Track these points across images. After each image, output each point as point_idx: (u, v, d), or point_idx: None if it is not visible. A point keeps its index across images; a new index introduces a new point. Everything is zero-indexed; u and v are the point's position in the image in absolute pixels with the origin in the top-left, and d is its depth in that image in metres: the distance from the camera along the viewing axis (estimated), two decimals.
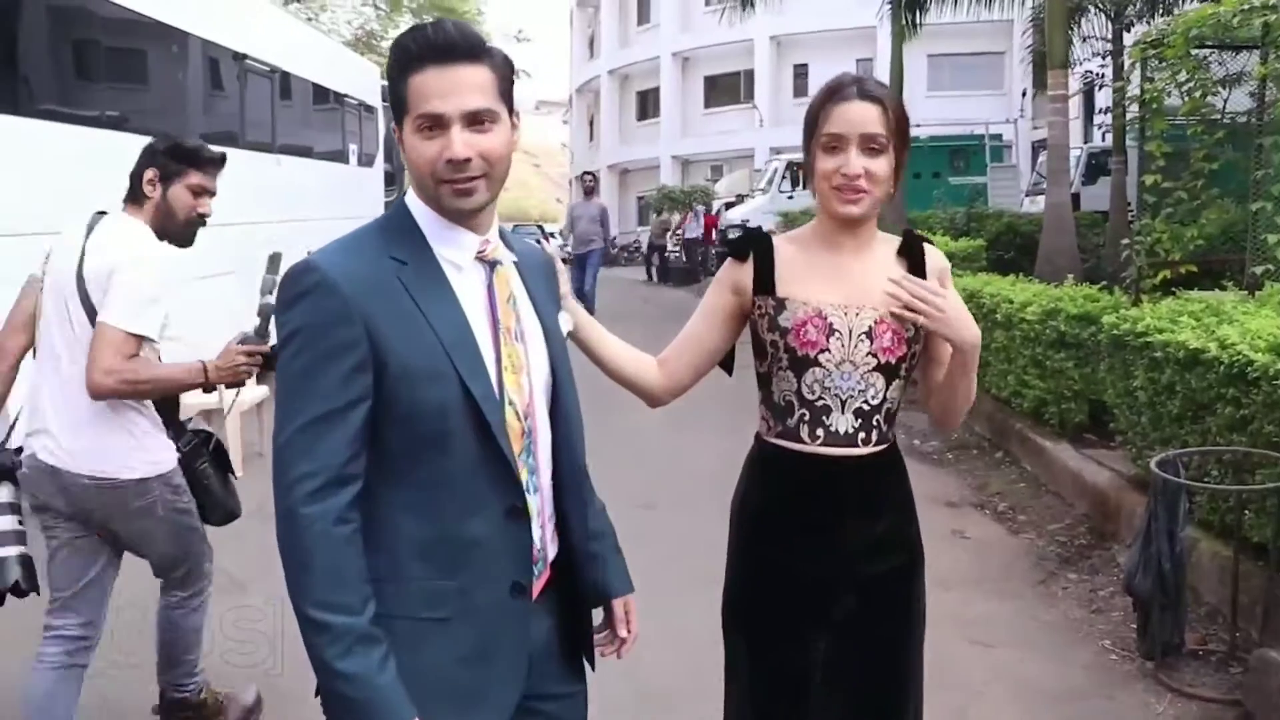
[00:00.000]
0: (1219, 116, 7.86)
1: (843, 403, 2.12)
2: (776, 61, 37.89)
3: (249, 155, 8.81)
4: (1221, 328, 4.48)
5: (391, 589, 1.64)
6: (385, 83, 1.77)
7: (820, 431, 2.13)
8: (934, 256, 2.25)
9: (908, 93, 16.51)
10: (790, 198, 23.24)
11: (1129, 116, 10.34)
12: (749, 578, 2.25)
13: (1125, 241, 7.58)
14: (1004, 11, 16.52)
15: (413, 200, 1.74)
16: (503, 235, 1.82)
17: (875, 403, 2.14)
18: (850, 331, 2.12)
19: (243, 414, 6.51)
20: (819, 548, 2.15)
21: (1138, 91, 8.45)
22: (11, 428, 3.35)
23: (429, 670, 1.64)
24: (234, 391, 3.96)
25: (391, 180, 14.60)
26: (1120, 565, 4.71)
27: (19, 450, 3.25)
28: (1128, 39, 13.75)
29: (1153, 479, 4.06)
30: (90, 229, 3.18)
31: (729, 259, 2.26)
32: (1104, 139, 16.98)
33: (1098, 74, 15.79)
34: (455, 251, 1.72)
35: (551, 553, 1.83)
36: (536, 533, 1.75)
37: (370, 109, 13.60)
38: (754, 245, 2.23)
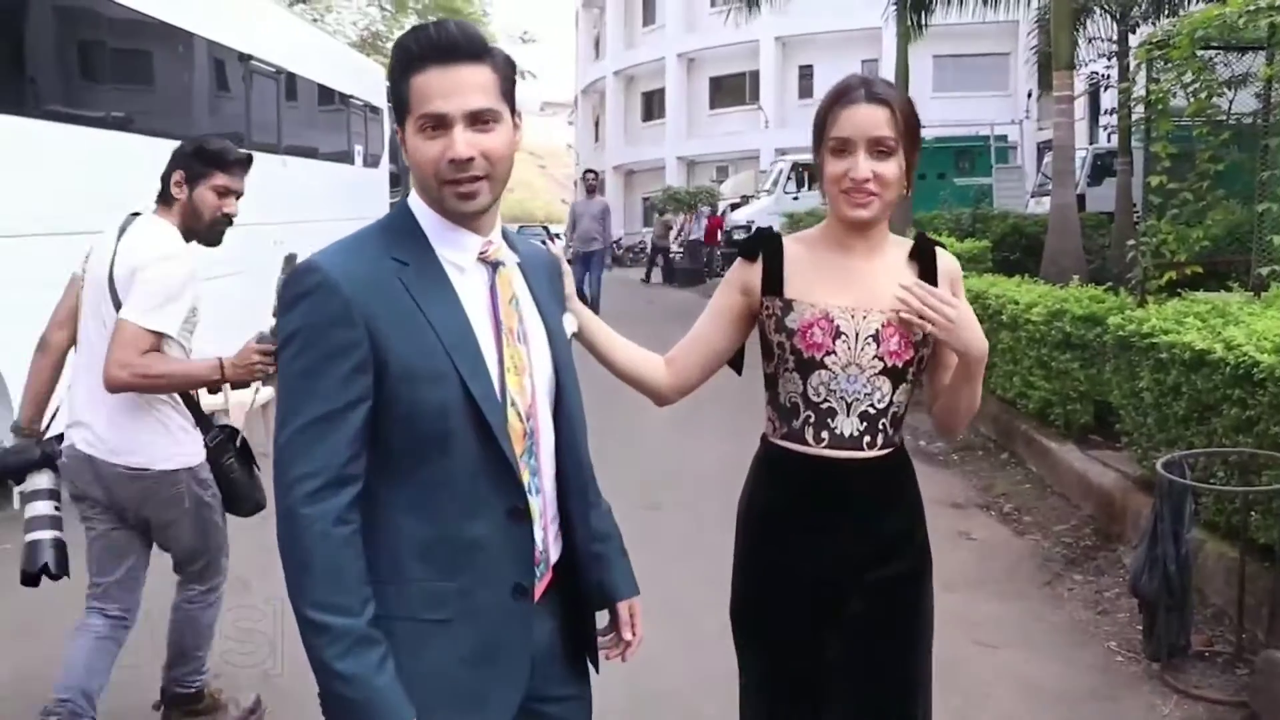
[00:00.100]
0: (1224, 117, 7.86)
1: (848, 406, 2.11)
2: (782, 62, 37.89)
3: (255, 156, 8.82)
4: (1227, 329, 4.48)
5: (393, 590, 1.63)
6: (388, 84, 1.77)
7: (825, 434, 2.12)
8: (946, 261, 2.22)
9: (913, 94, 16.33)
10: (795, 199, 23.27)
11: (1134, 118, 10.31)
12: (755, 581, 2.24)
13: (1131, 242, 7.58)
14: (1009, 12, 16.49)
15: (415, 201, 1.74)
16: (506, 236, 1.82)
17: (881, 406, 2.12)
18: (857, 334, 2.10)
19: (247, 414, 6.52)
20: (824, 550, 2.14)
21: (1143, 92, 8.45)
22: (52, 418, 3.47)
23: (430, 672, 1.64)
24: (253, 388, 4.03)
25: (397, 181, 14.64)
26: (1126, 566, 4.70)
27: (60, 438, 3.37)
28: (1133, 40, 13.75)
29: (1158, 480, 4.06)
30: (123, 230, 3.28)
31: (739, 259, 2.25)
32: (1109, 140, 16.96)
33: (1103, 75, 15.75)
34: (457, 253, 1.71)
35: (554, 555, 1.82)
36: (539, 534, 1.75)
37: (376, 110, 13.63)
38: (764, 246, 2.21)
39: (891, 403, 2.14)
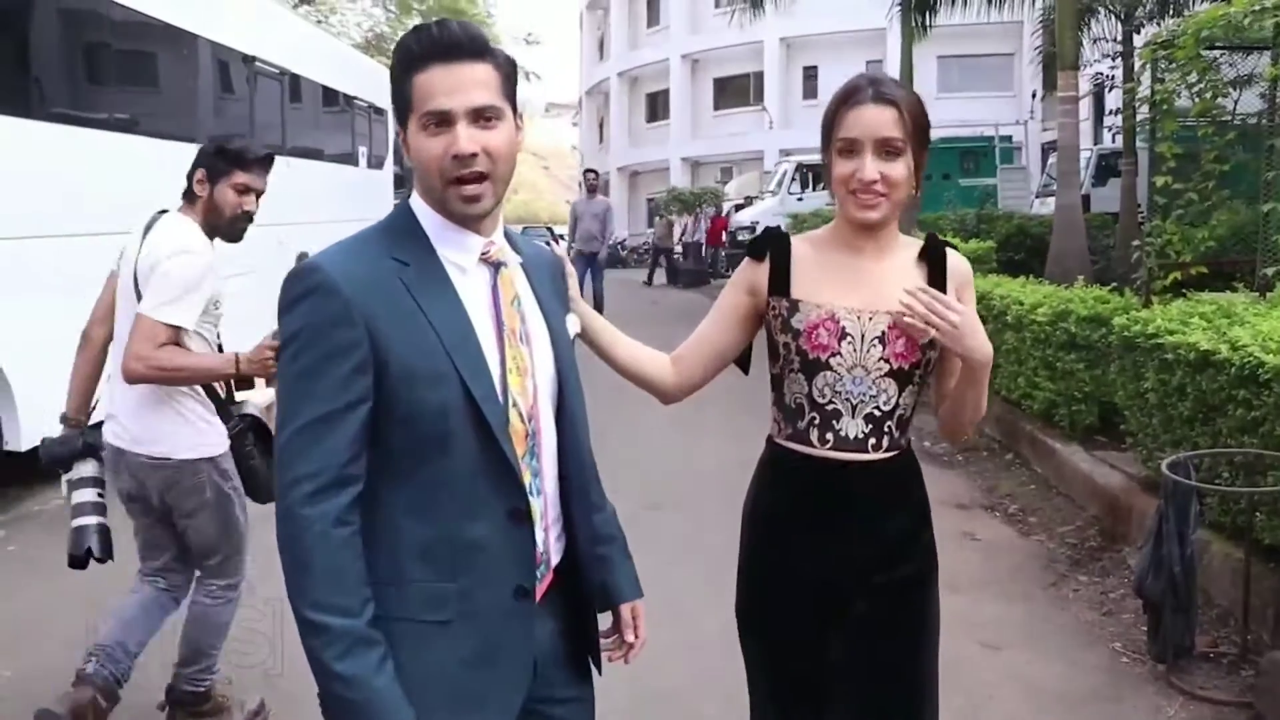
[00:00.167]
0: (1230, 118, 7.84)
1: (853, 407, 2.10)
2: (786, 63, 37.89)
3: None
4: (1233, 329, 4.47)
5: (393, 591, 1.63)
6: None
7: (830, 436, 2.11)
8: (956, 262, 2.20)
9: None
10: (800, 200, 23.27)
11: (1139, 118, 10.31)
12: (759, 582, 2.24)
13: (1136, 243, 7.56)
14: (1014, 13, 16.48)
15: (416, 202, 1.73)
16: (509, 237, 1.82)
17: (887, 408, 2.11)
18: (863, 336, 2.09)
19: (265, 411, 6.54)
20: (828, 552, 2.13)
21: (1148, 93, 8.44)
22: (92, 409, 3.59)
23: (431, 673, 1.64)
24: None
25: (401, 183, 14.65)
26: (1131, 567, 4.69)
27: (100, 427, 3.51)
28: (1138, 40, 13.72)
29: (1163, 481, 4.05)
30: (149, 227, 3.40)
31: (746, 258, 2.23)
32: (1114, 140, 16.93)
33: (1108, 76, 15.74)
34: (459, 253, 1.71)
35: (555, 556, 1.81)
36: (539, 536, 1.74)
37: (380, 111, 13.64)
38: (771, 245, 2.19)
39: (898, 405, 2.12)
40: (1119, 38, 14.69)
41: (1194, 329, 4.73)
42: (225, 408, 3.46)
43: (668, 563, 4.78)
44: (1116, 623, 4.49)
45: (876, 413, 2.10)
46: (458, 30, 1.66)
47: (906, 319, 2.04)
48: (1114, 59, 14.89)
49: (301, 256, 3.28)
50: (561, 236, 14.59)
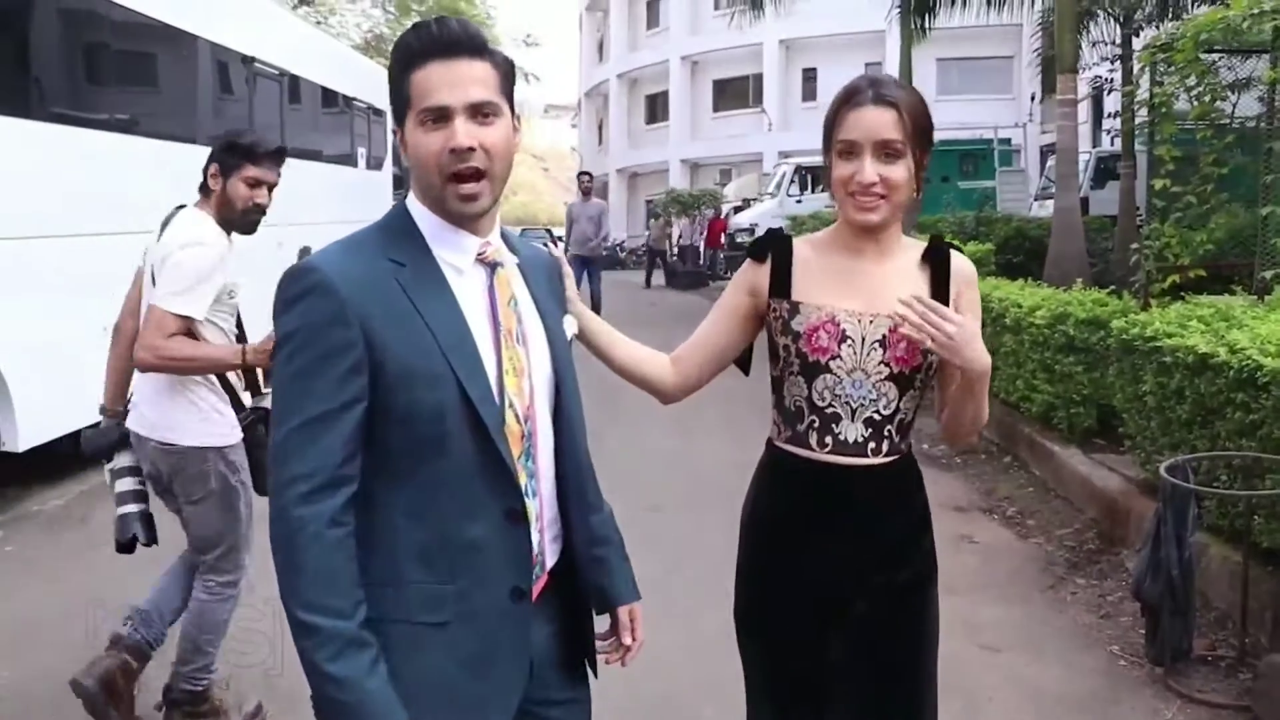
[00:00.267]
0: (1228, 121, 7.85)
1: (853, 411, 2.08)
2: (785, 65, 37.88)
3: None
4: (1231, 332, 4.47)
5: (390, 593, 1.63)
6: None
7: (829, 439, 2.10)
8: (960, 265, 2.17)
9: None
10: (799, 202, 23.28)
11: (1138, 121, 10.32)
12: (758, 586, 2.23)
13: (1134, 246, 7.57)
14: (1013, 16, 16.50)
15: (413, 203, 1.73)
16: (506, 238, 1.82)
17: (887, 413, 2.10)
18: (863, 339, 2.07)
19: None
20: (827, 555, 2.12)
21: (1147, 96, 8.45)
22: (129, 399, 3.66)
23: (428, 675, 1.64)
24: None
25: (400, 184, 14.65)
26: (1129, 570, 4.69)
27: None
28: (1137, 43, 13.73)
29: (1162, 484, 4.05)
30: (167, 221, 3.51)
31: (748, 260, 2.22)
32: (1113, 143, 16.94)
33: (1107, 79, 15.75)
34: (455, 254, 1.71)
35: (551, 558, 1.81)
36: (535, 537, 1.74)
37: (379, 112, 13.64)
38: (773, 247, 2.18)
39: (898, 409, 2.11)
40: (1118, 41, 14.71)
41: (1192, 332, 4.73)
42: (239, 399, 3.53)
43: (667, 564, 4.78)
44: (1114, 625, 4.49)
45: (876, 417, 2.09)
46: (457, 28, 1.66)
47: (901, 330, 2.02)
48: (1113, 62, 14.90)
49: (304, 251, 3.33)
50: (560, 239, 14.56)
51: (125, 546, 3.56)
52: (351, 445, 1.59)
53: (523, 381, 1.72)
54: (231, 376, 3.52)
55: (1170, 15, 13.71)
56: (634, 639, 1.99)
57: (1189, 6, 13.53)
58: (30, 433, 6.15)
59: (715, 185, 33.82)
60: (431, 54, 1.64)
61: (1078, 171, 12.11)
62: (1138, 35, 14.26)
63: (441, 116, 1.63)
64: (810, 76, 36.83)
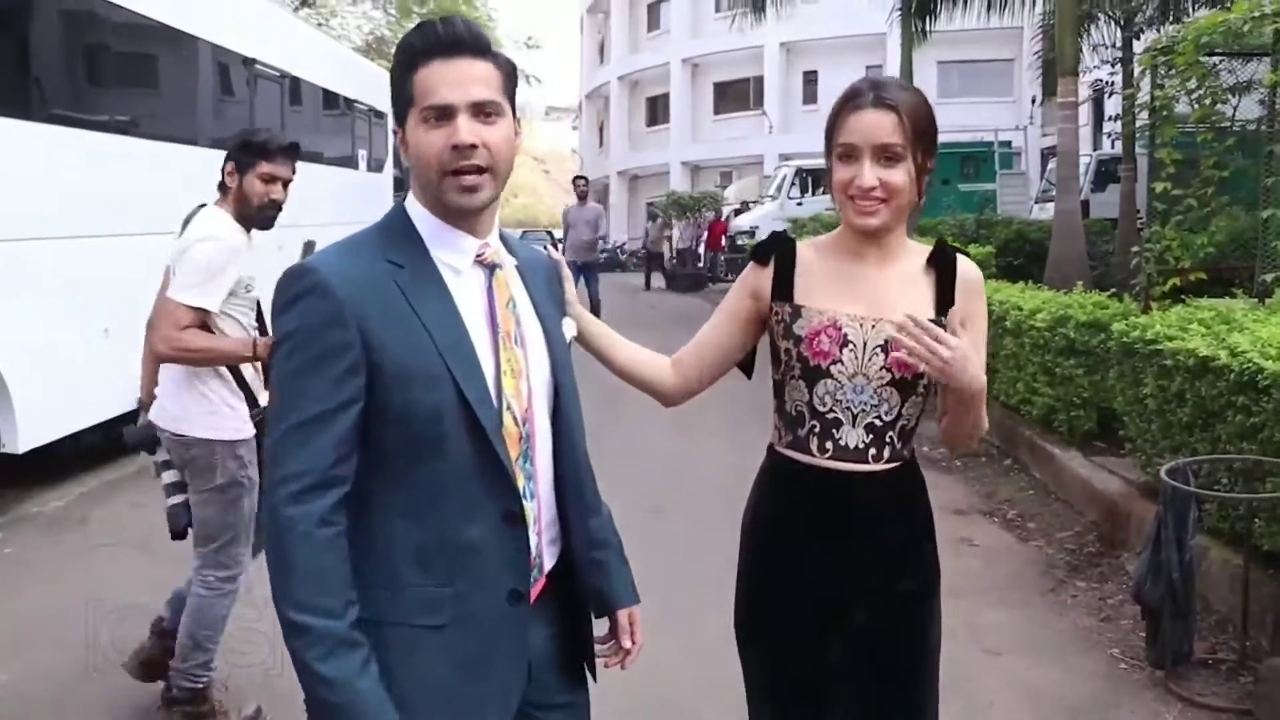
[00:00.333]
0: (1229, 124, 7.86)
1: (854, 416, 2.06)
2: (786, 68, 37.91)
3: None
4: (1232, 335, 4.47)
5: (387, 595, 1.63)
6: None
7: (829, 445, 2.08)
8: (965, 270, 2.13)
9: None
10: (799, 204, 23.27)
11: (1139, 124, 10.34)
12: (758, 592, 2.21)
13: (1135, 249, 7.56)
14: (1014, 18, 16.51)
15: (412, 204, 1.73)
16: (505, 240, 1.81)
17: (889, 419, 2.07)
18: (865, 344, 2.05)
19: None
20: (827, 562, 2.10)
21: (1147, 98, 8.46)
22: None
23: (425, 678, 1.63)
24: None
25: (401, 186, 14.64)
26: (1129, 573, 4.69)
27: None
28: (1137, 46, 13.73)
29: (1162, 487, 4.05)
30: (188, 220, 3.62)
31: (751, 262, 2.20)
32: (1113, 146, 16.96)
33: (1107, 81, 15.76)
34: (453, 255, 1.71)
35: (548, 560, 1.80)
36: (533, 539, 1.73)
37: (380, 114, 13.64)
38: (776, 250, 2.16)
39: (900, 415, 2.08)
40: (1119, 44, 14.71)
41: (1193, 335, 4.73)
42: (254, 395, 3.57)
43: (668, 567, 4.77)
44: (1115, 629, 4.49)
45: (878, 423, 2.07)
46: (462, 28, 1.66)
47: (897, 353, 2.00)
48: (1114, 65, 14.91)
49: (309, 246, 3.39)
50: (561, 242, 14.52)
51: (178, 535, 3.66)
52: (345, 446, 1.59)
53: (521, 383, 1.72)
54: (248, 373, 3.56)
55: (1171, 18, 13.71)
56: (633, 642, 1.98)
57: (1190, 9, 13.53)
58: (30, 434, 6.15)
59: (716, 188, 33.84)
60: (436, 53, 1.64)
61: (1078, 174, 12.11)
62: (1138, 38, 14.26)
63: (444, 114, 1.63)
64: (811, 79, 36.85)
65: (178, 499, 3.62)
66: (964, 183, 21.77)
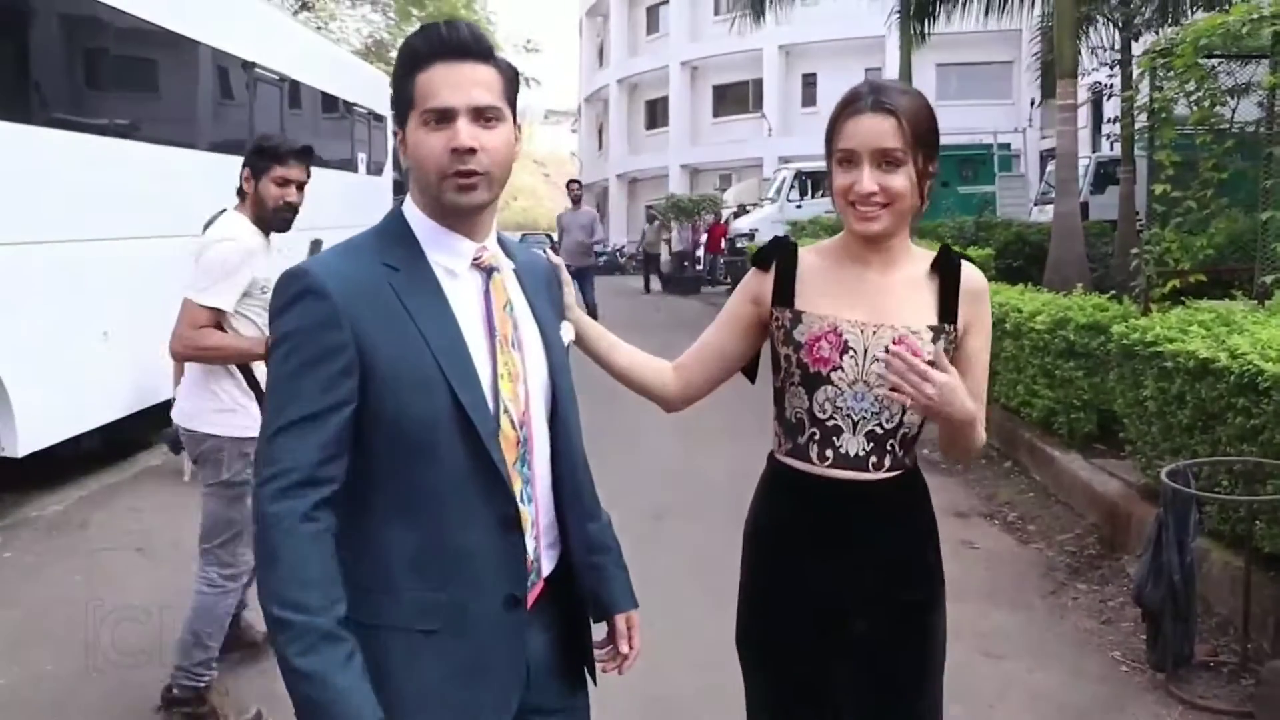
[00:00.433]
0: (1228, 126, 7.86)
1: (854, 424, 2.03)
2: (785, 71, 37.92)
3: None
4: (1232, 337, 4.47)
5: (383, 600, 1.63)
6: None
7: (829, 453, 2.05)
8: (970, 276, 2.09)
9: None
10: (799, 207, 23.25)
11: (1137, 126, 10.33)
12: (759, 604, 2.18)
13: (1134, 251, 7.56)
14: (1012, 21, 16.52)
15: (409, 207, 1.73)
16: (503, 243, 1.81)
17: (890, 426, 2.03)
18: (866, 350, 2.01)
19: None
20: (828, 573, 2.07)
21: (1146, 101, 8.46)
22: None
23: (423, 682, 1.63)
24: None
25: (400, 189, 14.65)
26: (1130, 576, 4.68)
27: None
28: (1136, 48, 13.75)
29: (1163, 489, 4.04)
30: (208, 224, 3.77)
31: (753, 268, 2.18)
32: (1112, 148, 16.96)
33: (1106, 84, 15.77)
34: (450, 258, 1.71)
35: (547, 565, 1.80)
36: (530, 544, 1.73)
37: (379, 118, 13.65)
38: (777, 255, 2.13)
39: (902, 423, 2.05)
40: (1117, 46, 14.73)
41: (1193, 337, 4.73)
42: (263, 393, 3.60)
43: (669, 570, 4.77)
44: (1116, 631, 4.48)
45: (879, 430, 2.03)
46: (465, 32, 1.66)
47: (879, 392, 1.98)
48: (1112, 67, 14.93)
49: (315, 245, 3.45)
50: (556, 246, 14.49)
51: None
52: (333, 447, 1.59)
53: (518, 387, 1.72)
54: (260, 372, 3.60)
55: (1170, 20, 13.73)
56: (631, 647, 1.98)
57: (1188, 12, 13.54)
58: (30, 438, 6.14)
59: (715, 190, 33.84)
60: (438, 56, 1.64)
61: (1077, 176, 12.13)
62: (1137, 40, 14.28)
63: (444, 117, 1.63)
64: (810, 82, 36.86)
65: None
66: (963, 185, 21.74)
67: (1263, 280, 6.78)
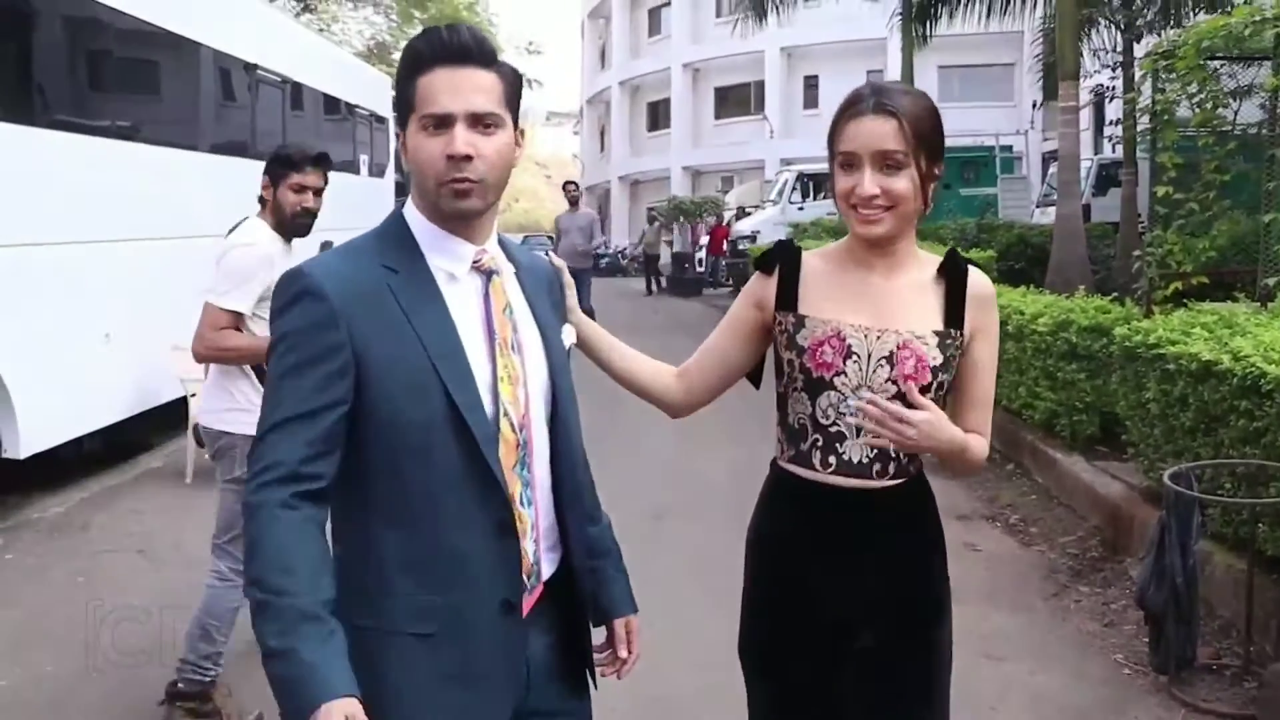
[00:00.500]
0: (1230, 128, 7.85)
1: (858, 430, 1.99)
2: (787, 73, 37.94)
3: (260, 165, 8.85)
4: (1234, 340, 4.46)
5: (380, 602, 1.63)
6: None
7: (832, 459, 2.02)
8: (976, 282, 2.06)
9: None
10: (801, 209, 23.25)
11: (1140, 128, 10.33)
12: (762, 615, 2.15)
13: (1136, 253, 7.56)
14: (1014, 23, 16.52)
15: (409, 209, 1.73)
16: (504, 246, 1.81)
17: None
18: (869, 355, 1.97)
19: None
20: (832, 581, 2.05)
21: (1148, 103, 8.45)
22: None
23: (418, 686, 1.63)
24: None
25: (402, 191, 14.66)
26: (1132, 578, 4.67)
27: None
28: (1138, 50, 13.74)
29: (1165, 492, 4.04)
30: (232, 230, 3.84)
31: (756, 272, 2.16)
32: (1114, 150, 16.93)
33: (1108, 86, 15.77)
34: (450, 261, 1.71)
35: (546, 568, 1.79)
36: (529, 547, 1.72)
37: (381, 120, 13.66)
38: (781, 259, 2.11)
39: None
40: (1119, 48, 14.72)
41: (1195, 339, 4.72)
42: None
43: (669, 571, 4.77)
44: (1118, 634, 4.47)
45: None
46: (468, 37, 1.66)
47: (864, 438, 1.97)
48: (1114, 69, 14.92)
49: (326, 245, 3.53)
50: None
51: None
52: (320, 445, 1.59)
53: (518, 390, 1.71)
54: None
55: (1172, 22, 13.72)
56: (630, 652, 1.97)
57: (1190, 14, 13.54)
58: (32, 440, 6.14)
59: (717, 192, 33.84)
60: (440, 60, 1.64)
61: (1079, 178, 12.10)
62: (1139, 42, 14.27)
63: (443, 123, 1.63)
64: (812, 84, 36.86)
65: None
66: (965, 187, 21.74)
67: (1265, 282, 6.78)
